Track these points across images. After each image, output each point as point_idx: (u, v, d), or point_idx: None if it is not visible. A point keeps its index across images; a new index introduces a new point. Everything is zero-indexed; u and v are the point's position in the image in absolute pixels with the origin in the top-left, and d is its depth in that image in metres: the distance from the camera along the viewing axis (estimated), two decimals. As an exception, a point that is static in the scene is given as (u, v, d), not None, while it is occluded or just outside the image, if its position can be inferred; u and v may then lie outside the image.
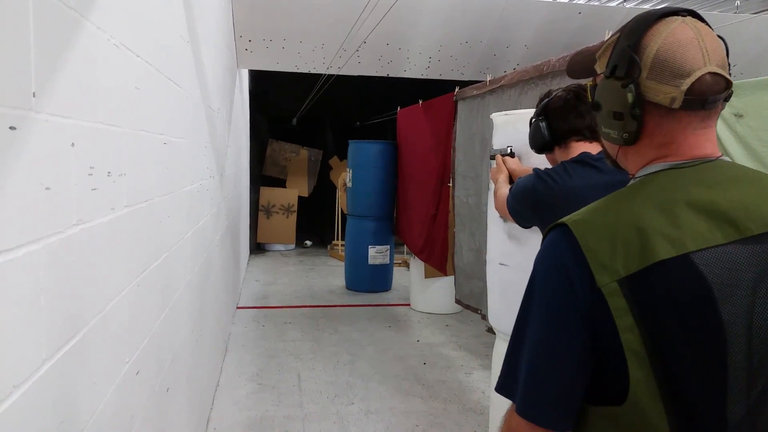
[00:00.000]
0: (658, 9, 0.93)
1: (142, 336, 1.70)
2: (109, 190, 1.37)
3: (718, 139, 2.67)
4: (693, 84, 0.87)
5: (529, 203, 1.90)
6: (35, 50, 0.97)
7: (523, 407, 0.91)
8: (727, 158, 0.94)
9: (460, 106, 4.55)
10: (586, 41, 3.41)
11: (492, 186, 2.82)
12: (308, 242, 10.17)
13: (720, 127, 2.66)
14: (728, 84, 0.90)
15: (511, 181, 2.27)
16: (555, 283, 0.89)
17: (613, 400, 0.85)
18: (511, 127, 2.69)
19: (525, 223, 2.01)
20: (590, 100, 1.02)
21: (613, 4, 5.59)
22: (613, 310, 0.83)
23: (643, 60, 0.90)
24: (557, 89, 1.93)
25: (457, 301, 4.67)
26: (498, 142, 2.76)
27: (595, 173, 1.76)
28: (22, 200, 0.93)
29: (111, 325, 1.39)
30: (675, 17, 0.91)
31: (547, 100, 1.90)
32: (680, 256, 0.83)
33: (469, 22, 5.38)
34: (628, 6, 5.54)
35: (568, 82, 2.94)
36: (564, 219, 0.92)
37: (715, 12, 5.92)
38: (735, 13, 5.81)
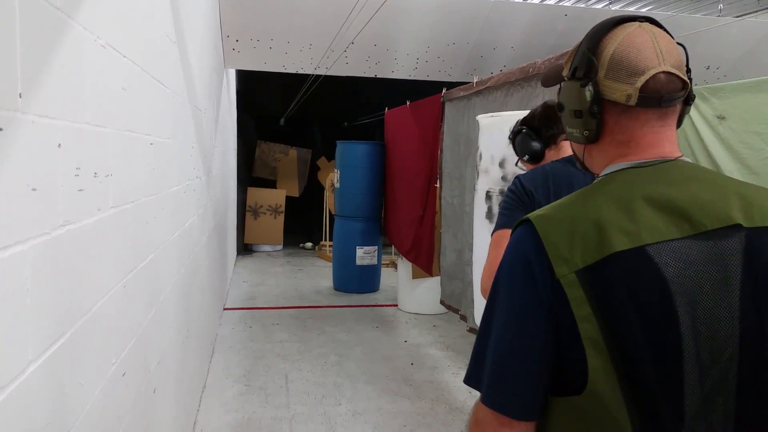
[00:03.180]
0: (617, 16, 1.00)
1: (129, 337, 1.70)
2: (95, 191, 1.36)
3: (701, 140, 2.71)
4: (647, 81, 0.92)
5: (519, 196, 1.85)
6: (21, 51, 0.96)
7: (488, 397, 0.93)
8: (688, 159, 0.98)
9: (448, 107, 4.57)
10: (572, 43, 3.44)
11: (477, 195, 2.84)
12: (309, 243, 10.12)
13: (703, 128, 2.70)
14: (684, 85, 0.94)
15: None
16: (518, 276, 0.92)
17: (574, 390, 0.87)
18: (497, 128, 2.71)
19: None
20: (557, 101, 1.07)
21: (599, 6, 5.65)
22: (571, 300, 0.86)
23: (601, 60, 0.95)
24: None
25: (442, 302, 4.69)
26: (486, 145, 2.78)
27: (580, 173, 1.78)
28: (9, 201, 0.93)
29: (97, 326, 1.39)
30: (632, 23, 0.97)
31: (521, 118, 1.99)
32: (636, 248, 0.86)
33: (456, 24, 5.40)
34: (614, 8, 5.60)
35: (553, 84, 2.97)
36: (529, 215, 0.96)
37: (698, 15, 5.99)
38: (718, 16, 5.89)
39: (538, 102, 3.07)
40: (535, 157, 1.95)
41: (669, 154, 0.95)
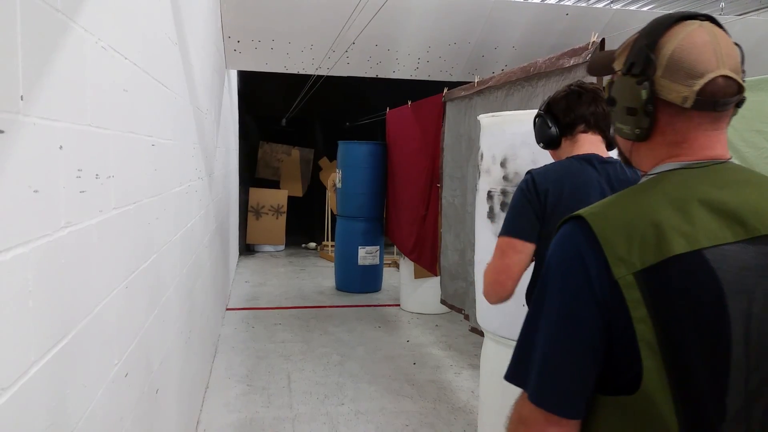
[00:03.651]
0: (678, 12, 0.97)
1: (131, 338, 1.70)
2: (97, 193, 1.37)
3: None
4: (705, 85, 0.91)
5: (529, 196, 1.76)
6: (23, 53, 0.97)
7: (537, 395, 0.93)
8: (736, 161, 0.98)
9: (449, 107, 4.57)
10: (573, 42, 3.43)
11: (479, 195, 2.84)
12: (312, 243, 10.13)
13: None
14: (740, 89, 0.93)
15: None
16: (571, 273, 0.92)
17: (623, 390, 0.88)
18: (498, 128, 2.71)
19: (531, 231, 1.76)
20: (607, 95, 1.05)
21: (600, 5, 5.64)
22: (629, 302, 0.86)
23: (659, 59, 0.93)
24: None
25: (442, 302, 4.69)
26: (487, 145, 2.77)
27: (596, 174, 1.74)
28: (10, 203, 0.93)
29: (100, 327, 1.39)
30: (693, 21, 0.95)
31: (548, 99, 1.90)
32: (694, 252, 0.86)
33: (457, 24, 5.40)
34: (615, 7, 5.59)
35: (553, 84, 2.96)
36: (579, 212, 0.95)
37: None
38: (720, 14, 5.88)
39: (538, 101, 3.07)
40: (551, 144, 1.88)
41: (720, 156, 0.95)
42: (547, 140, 1.87)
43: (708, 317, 0.85)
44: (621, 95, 0.99)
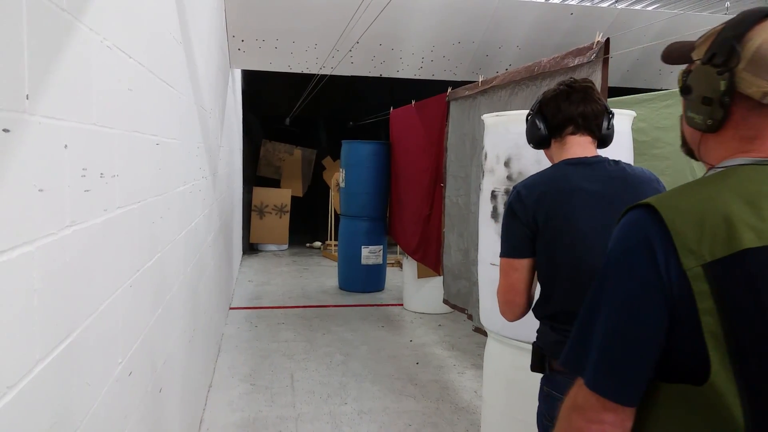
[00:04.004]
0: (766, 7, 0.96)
1: (135, 336, 1.71)
2: (102, 192, 1.37)
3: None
4: None
5: (519, 213, 1.75)
6: (29, 52, 0.97)
7: (595, 380, 0.93)
8: None
9: (453, 106, 4.57)
10: (577, 42, 3.42)
11: (483, 195, 2.84)
12: (317, 243, 10.14)
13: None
14: None
15: None
16: (638, 261, 0.91)
17: (688, 379, 0.88)
18: (502, 128, 2.70)
19: (528, 246, 1.76)
20: (680, 85, 1.04)
21: (605, 5, 5.63)
22: (696, 294, 0.86)
23: (744, 51, 0.92)
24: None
25: (445, 301, 4.69)
26: (491, 144, 2.77)
27: (587, 173, 1.74)
28: (16, 202, 0.93)
29: (104, 326, 1.40)
30: None
31: (540, 98, 1.88)
32: (764, 247, 0.86)
33: (461, 23, 5.40)
34: (619, 6, 5.58)
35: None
36: (646, 200, 0.94)
37: (705, 13, 5.96)
38: (725, 14, 5.86)
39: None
40: (541, 145, 1.88)
41: None
42: (536, 141, 1.87)
43: None
44: (698, 84, 0.98)
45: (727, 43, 0.94)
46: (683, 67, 1.07)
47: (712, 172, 0.99)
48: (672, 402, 0.90)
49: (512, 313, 1.82)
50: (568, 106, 1.78)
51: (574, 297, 1.66)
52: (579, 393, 0.95)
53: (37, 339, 1.01)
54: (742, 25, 0.94)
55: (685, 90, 1.02)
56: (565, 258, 1.69)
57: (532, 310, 1.83)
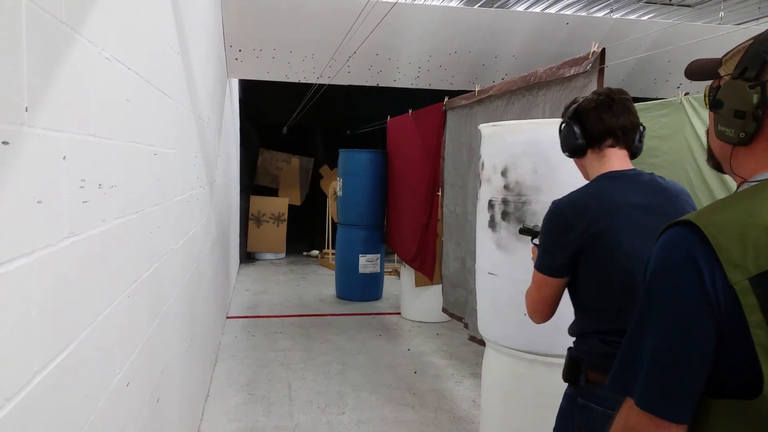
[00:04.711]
0: None
1: (133, 347, 1.70)
2: (100, 202, 1.37)
3: (705, 149, 2.71)
4: None
5: (563, 231, 1.70)
6: (28, 65, 0.98)
7: (646, 400, 0.93)
8: None
9: (449, 115, 4.59)
10: (573, 51, 3.44)
11: (480, 204, 2.84)
12: (314, 251, 10.13)
13: (705, 137, 2.71)
14: None
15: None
16: (684, 277, 0.92)
17: (740, 394, 0.88)
18: (498, 138, 2.72)
19: (567, 266, 1.73)
20: (707, 101, 1.06)
21: (600, 14, 5.67)
22: (745, 307, 0.87)
23: None
24: (584, 95, 1.86)
25: (444, 310, 4.69)
26: (488, 154, 2.78)
27: (627, 187, 1.71)
28: (15, 214, 0.94)
29: (102, 337, 1.39)
30: None
31: (576, 104, 1.82)
32: None
33: (458, 33, 5.43)
34: (615, 17, 5.62)
35: (554, 94, 2.97)
36: (685, 217, 0.95)
37: (699, 23, 6.01)
38: (719, 24, 5.91)
39: (539, 111, 3.08)
40: (576, 154, 1.83)
41: None
42: (573, 150, 1.82)
43: None
44: (729, 98, 0.99)
45: (758, 57, 0.96)
46: (695, 83, 1.09)
47: (745, 186, 1.00)
48: (724, 418, 0.91)
49: (540, 320, 1.85)
50: (610, 117, 1.75)
51: (628, 313, 1.62)
52: (630, 413, 0.95)
53: (36, 351, 1.01)
54: None
55: (715, 105, 1.03)
56: (617, 274, 1.65)
57: (569, 328, 1.81)
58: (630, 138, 1.78)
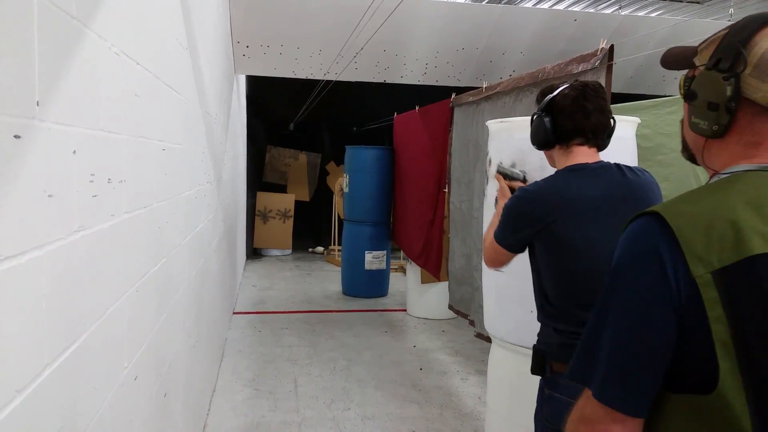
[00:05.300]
0: None
1: (141, 341, 1.71)
2: (109, 197, 1.38)
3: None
4: None
5: (527, 219, 1.78)
6: (39, 59, 0.98)
7: (603, 392, 0.92)
8: None
9: (457, 112, 4.58)
10: (581, 48, 3.43)
11: (487, 201, 2.84)
12: (320, 248, 10.14)
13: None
14: None
15: None
16: (646, 269, 0.91)
17: (697, 389, 0.87)
18: (506, 134, 2.71)
19: (521, 246, 1.85)
20: (682, 91, 1.04)
21: (609, 11, 5.64)
22: (706, 301, 0.85)
23: (750, 56, 0.91)
24: (561, 84, 1.84)
25: (450, 307, 4.68)
26: (495, 150, 2.77)
27: (589, 182, 1.74)
28: (26, 208, 0.94)
29: (110, 330, 1.40)
30: None
31: (551, 96, 1.82)
32: None
33: (465, 29, 5.41)
34: (623, 13, 5.59)
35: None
36: (653, 208, 0.94)
37: (708, 20, 5.97)
38: (729, 21, 5.86)
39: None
40: (544, 147, 1.87)
41: None
42: (541, 143, 1.85)
43: None
44: (703, 89, 0.97)
45: (732, 47, 0.93)
46: (684, 72, 1.07)
47: (716, 178, 0.98)
48: (680, 412, 0.90)
49: (493, 269, 2.11)
50: (581, 117, 1.75)
51: (578, 301, 1.68)
52: (587, 404, 0.95)
53: (46, 343, 1.02)
54: (746, 30, 0.94)
55: (689, 95, 1.01)
56: (570, 264, 1.71)
57: (538, 314, 1.85)
58: (599, 137, 1.79)
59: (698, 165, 1.07)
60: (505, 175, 2.26)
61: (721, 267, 0.86)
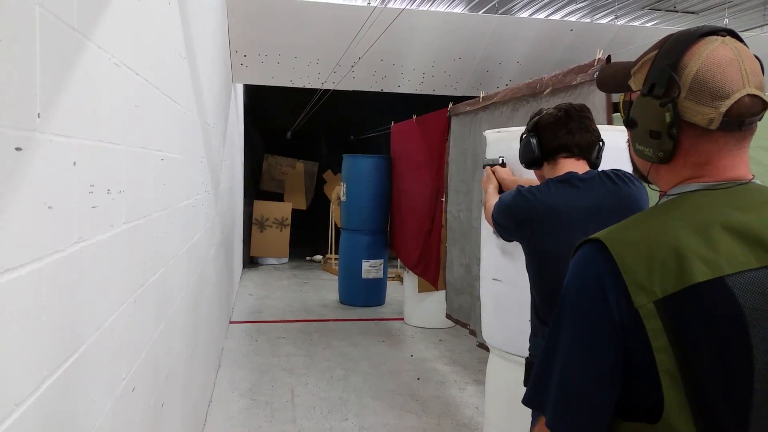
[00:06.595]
0: (699, 28, 0.93)
1: (139, 352, 1.71)
2: (108, 208, 1.38)
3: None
4: (732, 106, 0.87)
5: (511, 220, 1.93)
6: (41, 71, 0.98)
7: (555, 421, 0.91)
8: (758, 181, 0.95)
9: (454, 121, 4.59)
10: (578, 57, 3.45)
11: (483, 196, 2.85)
12: (318, 256, 10.12)
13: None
14: (765, 105, 0.90)
15: (501, 191, 2.29)
16: (589, 299, 0.90)
17: (645, 417, 0.86)
18: (504, 144, 2.71)
19: (508, 238, 2.03)
20: (623, 116, 1.02)
21: (604, 21, 5.67)
22: (649, 331, 0.84)
23: (683, 80, 0.89)
24: (548, 108, 1.95)
25: (448, 316, 4.68)
26: (491, 155, 2.78)
27: (576, 193, 1.78)
28: (26, 220, 0.94)
29: (109, 342, 1.40)
30: (715, 37, 0.91)
31: (538, 117, 1.92)
32: (716, 279, 0.83)
33: (462, 39, 5.44)
34: (619, 23, 5.62)
35: (559, 100, 2.98)
36: (596, 235, 0.92)
37: (704, 30, 5.99)
38: (723, 31, 5.89)
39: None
40: (532, 165, 1.96)
41: (743, 177, 0.93)
42: (528, 161, 1.94)
43: (729, 346, 0.83)
44: (642, 117, 0.95)
45: (665, 73, 0.91)
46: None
47: (665, 199, 0.97)
48: None
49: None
50: (565, 134, 1.84)
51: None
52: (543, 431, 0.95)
53: (45, 354, 1.01)
54: (675, 52, 0.91)
55: (630, 124, 0.98)
56: (551, 275, 1.74)
57: (532, 318, 1.91)
58: (586, 153, 1.85)
59: (650, 184, 1.05)
60: (490, 164, 2.43)
61: (664, 296, 0.84)
